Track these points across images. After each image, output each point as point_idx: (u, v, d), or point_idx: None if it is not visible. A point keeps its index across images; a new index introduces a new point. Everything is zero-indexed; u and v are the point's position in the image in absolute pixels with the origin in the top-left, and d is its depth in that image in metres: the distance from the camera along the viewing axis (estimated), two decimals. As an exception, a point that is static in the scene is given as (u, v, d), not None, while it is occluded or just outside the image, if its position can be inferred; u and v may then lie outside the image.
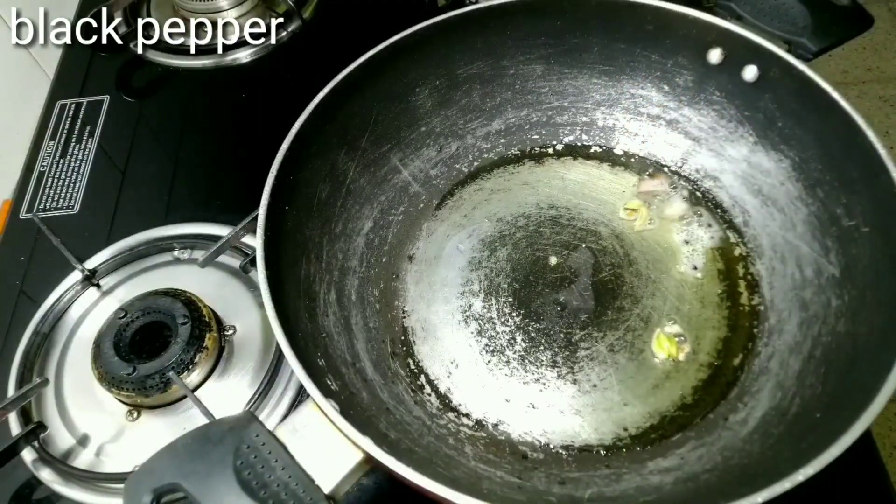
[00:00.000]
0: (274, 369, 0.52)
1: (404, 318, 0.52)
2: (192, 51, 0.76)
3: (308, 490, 0.36)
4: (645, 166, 0.57)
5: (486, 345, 0.50)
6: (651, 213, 0.55)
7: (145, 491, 0.36)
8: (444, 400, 0.48)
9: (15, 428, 0.51)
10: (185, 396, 0.51)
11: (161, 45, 0.77)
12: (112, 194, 0.67)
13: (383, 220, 0.56)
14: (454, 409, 0.48)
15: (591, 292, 0.52)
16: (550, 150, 0.59)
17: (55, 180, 0.68)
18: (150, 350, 0.52)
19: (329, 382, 0.41)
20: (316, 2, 0.80)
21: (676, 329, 0.49)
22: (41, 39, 0.78)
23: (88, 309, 0.58)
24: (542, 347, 0.50)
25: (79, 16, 0.83)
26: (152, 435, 0.51)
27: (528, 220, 0.56)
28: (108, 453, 0.51)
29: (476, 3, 0.54)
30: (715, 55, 0.50)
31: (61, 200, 0.66)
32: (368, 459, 0.36)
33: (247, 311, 0.56)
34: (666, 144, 0.57)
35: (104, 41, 0.75)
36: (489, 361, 0.50)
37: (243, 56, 0.76)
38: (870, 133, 0.42)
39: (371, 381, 0.47)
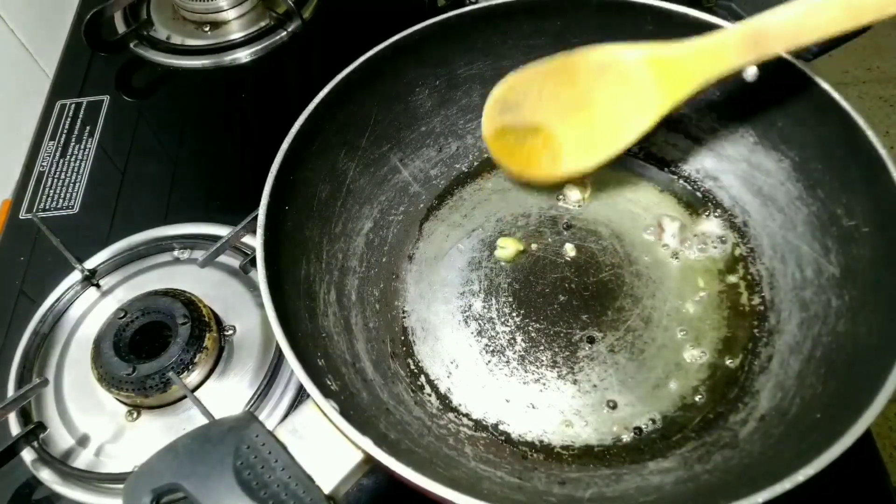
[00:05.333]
0: (274, 369, 0.52)
1: (404, 318, 0.52)
2: (192, 51, 0.76)
3: (308, 490, 0.36)
4: (645, 166, 0.57)
5: (487, 345, 0.50)
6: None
7: (145, 491, 0.36)
8: (444, 400, 0.48)
9: (15, 428, 0.51)
10: (184, 397, 0.51)
11: (161, 45, 0.77)
12: (112, 194, 0.67)
13: (383, 220, 0.55)
14: (454, 410, 0.48)
15: (591, 292, 0.52)
16: (550, 150, 0.59)
17: (55, 180, 0.68)
18: (150, 350, 0.52)
19: (329, 382, 0.41)
20: (316, 2, 0.80)
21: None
22: (42, 39, 0.78)
23: (88, 309, 0.58)
24: (542, 347, 0.50)
25: (79, 15, 0.83)
26: (152, 435, 0.51)
27: (528, 220, 0.56)
28: (107, 453, 0.51)
29: (476, 3, 0.54)
30: (715, 55, 0.50)
31: (61, 200, 0.66)
32: (368, 460, 0.36)
33: (246, 311, 0.56)
34: (666, 144, 0.57)
35: (104, 41, 0.75)
36: (489, 361, 0.50)
37: (243, 56, 0.76)
38: (870, 133, 0.42)
39: (371, 381, 0.47)
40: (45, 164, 0.69)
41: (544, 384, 0.48)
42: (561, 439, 0.46)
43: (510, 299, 0.52)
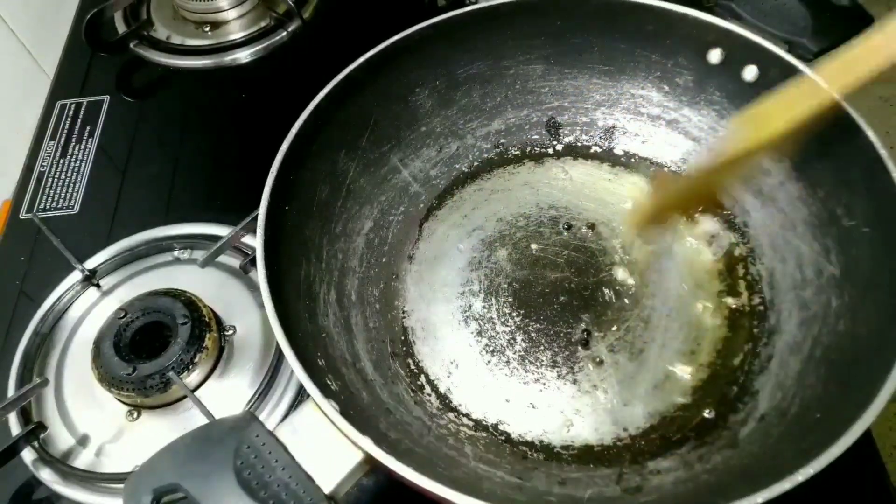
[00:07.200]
0: (274, 369, 0.52)
1: (404, 318, 0.52)
2: (193, 51, 0.76)
3: (308, 490, 0.36)
4: (645, 167, 0.57)
5: (487, 345, 0.50)
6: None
7: (145, 491, 0.36)
8: (444, 400, 0.48)
9: (15, 428, 0.51)
10: (185, 397, 0.51)
11: (161, 45, 0.77)
12: (112, 194, 0.67)
13: (383, 221, 0.55)
14: (454, 410, 0.48)
15: (592, 292, 0.52)
16: (550, 151, 0.59)
17: (55, 180, 0.68)
18: (150, 350, 0.52)
19: (329, 382, 0.41)
20: (316, 2, 0.80)
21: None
22: (42, 39, 0.78)
23: (88, 309, 0.58)
24: (542, 347, 0.50)
25: (79, 16, 0.83)
26: (152, 435, 0.51)
27: (528, 220, 0.56)
28: (108, 453, 0.51)
29: (476, 2, 0.54)
30: (715, 55, 0.50)
31: (61, 200, 0.66)
32: (368, 459, 0.36)
33: (247, 311, 0.56)
34: (666, 144, 0.57)
35: (104, 41, 0.75)
36: (489, 361, 0.50)
37: (243, 56, 0.76)
38: (870, 133, 0.42)
39: (371, 381, 0.47)
40: (45, 164, 0.69)
41: (544, 384, 0.48)
42: (561, 439, 0.46)
43: (510, 299, 0.52)
